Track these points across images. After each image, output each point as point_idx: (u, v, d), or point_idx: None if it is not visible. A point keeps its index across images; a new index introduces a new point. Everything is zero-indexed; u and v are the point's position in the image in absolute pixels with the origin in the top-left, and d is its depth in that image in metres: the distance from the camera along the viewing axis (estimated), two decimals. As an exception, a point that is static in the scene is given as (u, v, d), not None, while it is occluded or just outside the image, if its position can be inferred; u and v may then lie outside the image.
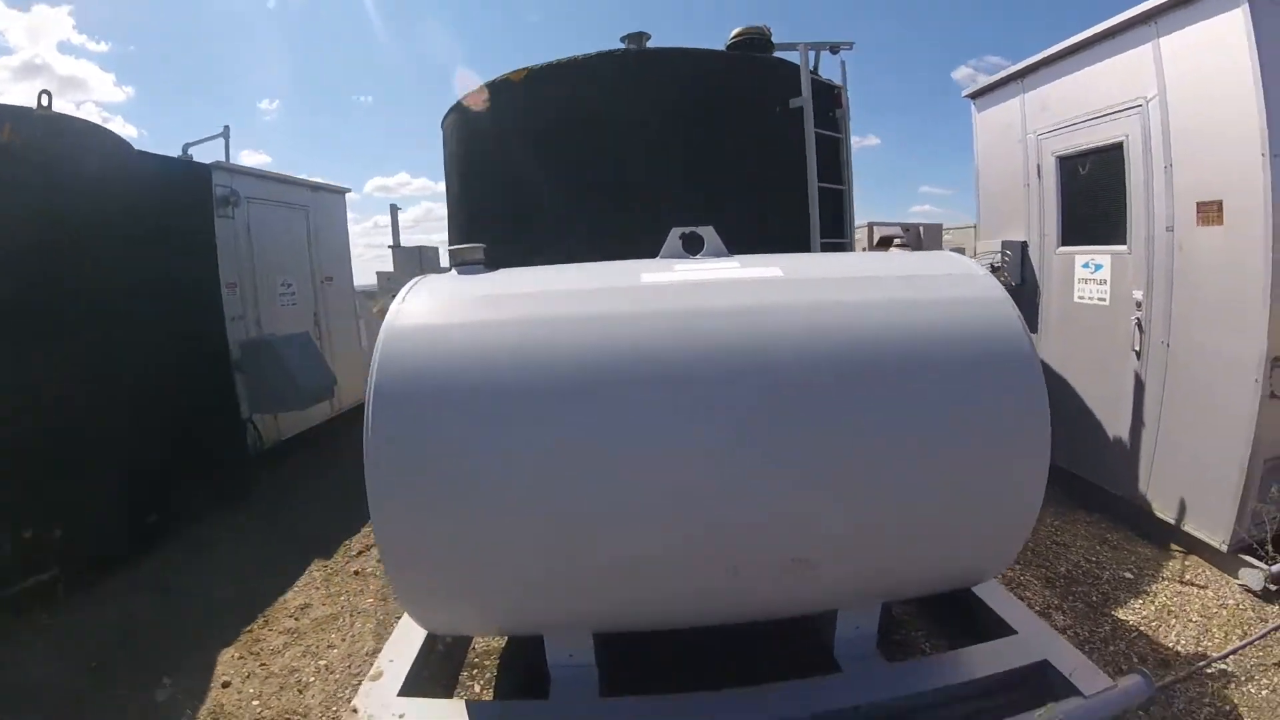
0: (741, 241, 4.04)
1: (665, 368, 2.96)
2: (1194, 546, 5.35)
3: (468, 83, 6.39)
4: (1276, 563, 4.64)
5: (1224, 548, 4.95)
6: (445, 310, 3.29)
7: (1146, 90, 5.38)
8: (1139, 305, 5.57)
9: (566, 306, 3.25)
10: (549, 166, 5.66)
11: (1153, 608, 4.77)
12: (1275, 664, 4.07)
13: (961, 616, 4.11)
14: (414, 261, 10.89)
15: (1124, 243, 5.73)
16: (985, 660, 3.51)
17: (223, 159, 8.50)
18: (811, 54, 5.89)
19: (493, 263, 4.22)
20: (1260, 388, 4.71)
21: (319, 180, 9.72)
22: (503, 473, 2.89)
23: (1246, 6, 4.65)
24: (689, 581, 3.13)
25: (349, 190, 10.44)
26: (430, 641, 3.81)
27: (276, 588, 5.67)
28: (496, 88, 5.90)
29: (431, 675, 3.77)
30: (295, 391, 8.32)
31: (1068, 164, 6.27)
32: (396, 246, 11.03)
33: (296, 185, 9.54)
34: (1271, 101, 4.62)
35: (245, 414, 8.14)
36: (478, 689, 4.19)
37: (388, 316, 3.17)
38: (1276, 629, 4.37)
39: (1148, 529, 5.74)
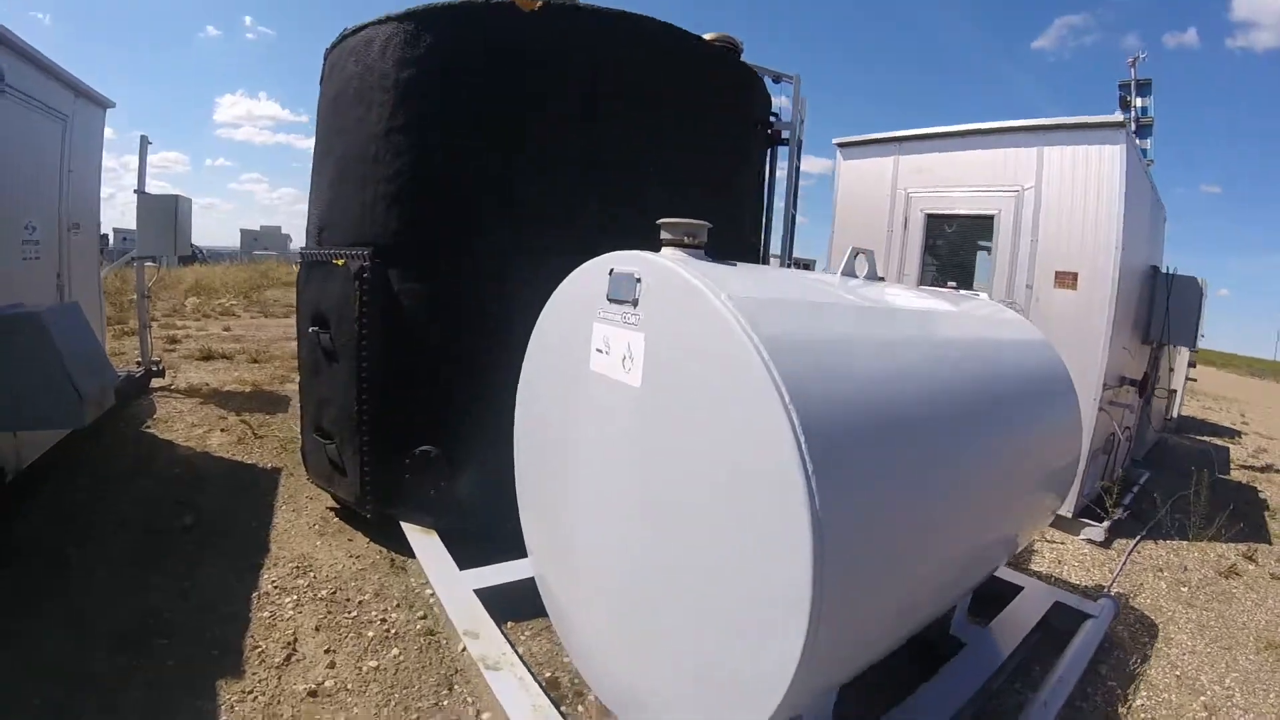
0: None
1: (955, 398, 2.74)
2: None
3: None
4: (1109, 519, 6.17)
5: (1069, 514, 6.37)
6: (796, 320, 2.35)
7: (1024, 181, 6.49)
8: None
9: (876, 329, 2.85)
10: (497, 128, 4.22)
11: (1031, 559, 5.89)
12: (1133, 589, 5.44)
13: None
14: (167, 215, 7.31)
15: (986, 294, 6.84)
16: (1029, 610, 4.16)
17: None
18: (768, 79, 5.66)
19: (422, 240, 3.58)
20: (1095, 403, 6.17)
21: (84, 83, 5.63)
22: (920, 505, 2.36)
23: (1124, 145, 5.96)
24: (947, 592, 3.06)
25: (112, 105, 6.38)
26: None
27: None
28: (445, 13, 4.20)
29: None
30: (68, 397, 4.87)
31: (935, 221, 7.19)
32: (142, 193, 7.28)
33: (59, 82, 5.47)
34: (1128, 213, 6.04)
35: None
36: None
37: (748, 325, 2.02)
38: (1130, 555, 5.86)
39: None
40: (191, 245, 8.25)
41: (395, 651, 3.42)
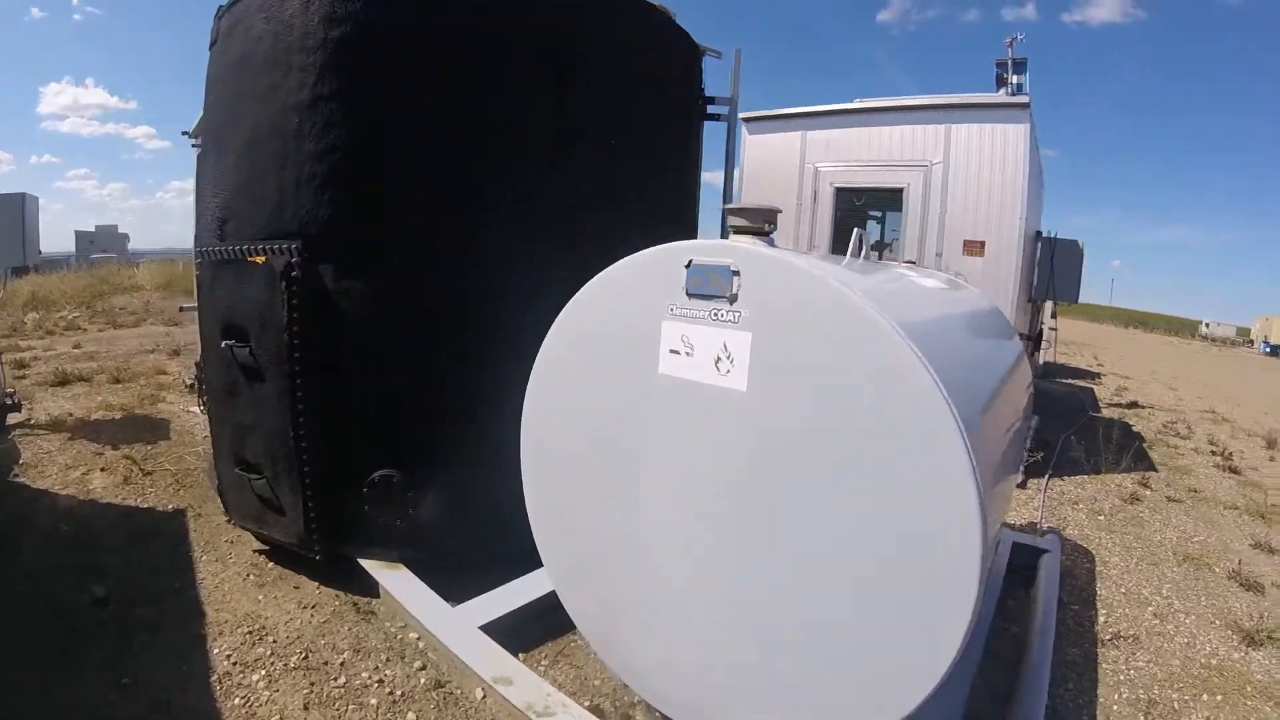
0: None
1: (997, 369, 2.90)
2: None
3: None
4: (1023, 462, 6.36)
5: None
6: (911, 310, 2.46)
7: (932, 156, 6.53)
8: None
9: (938, 309, 2.95)
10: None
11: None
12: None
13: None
14: (13, 218, 5.84)
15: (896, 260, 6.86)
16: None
17: None
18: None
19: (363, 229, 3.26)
20: (1007, 362, 6.36)
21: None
22: (1002, 467, 2.61)
23: (1029, 125, 6.16)
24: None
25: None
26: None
27: None
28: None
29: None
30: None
31: (844, 194, 7.12)
32: None
33: None
34: (1029, 186, 6.23)
35: None
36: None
37: (889, 317, 1.90)
38: (1045, 493, 6.08)
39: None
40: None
41: (412, 717, 2.74)
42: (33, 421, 6.90)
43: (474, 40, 3.45)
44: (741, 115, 7.92)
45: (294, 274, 3.30)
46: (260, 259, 3.37)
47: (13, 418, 6.77)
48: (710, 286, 2.15)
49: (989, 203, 6.40)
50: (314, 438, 3.41)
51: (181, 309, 8.02)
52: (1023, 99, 6.42)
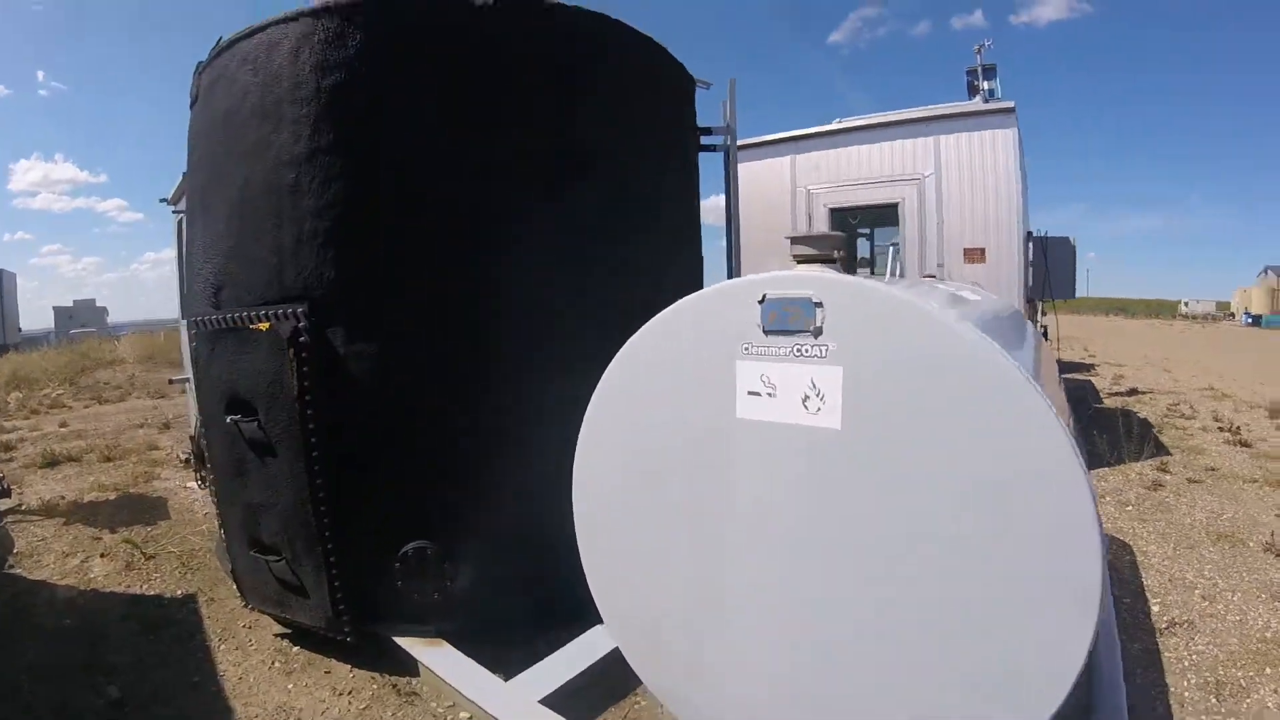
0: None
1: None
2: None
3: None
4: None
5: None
6: (995, 331, 2.23)
7: (923, 169, 6.44)
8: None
9: (1006, 328, 2.82)
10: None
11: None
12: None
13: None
14: None
15: (897, 274, 6.72)
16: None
17: None
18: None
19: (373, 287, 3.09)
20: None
21: None
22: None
23: (1016, 129, 6.10)
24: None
25: None
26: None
27: None
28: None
29: None
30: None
31: (838, 214, 7.00)
32: None
33: None
34: (1022, 189, 6.15)
35: None
36: None
37: (990, 342, 1.85)
38: None
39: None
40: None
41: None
42: (24, 507, 6.52)
43: (478, 72, 3.26)
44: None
45: (302, 340, 3.04)
46: (264, 326, 3.11)
47: (2, 504, 6.39)
48: (790, 321, 2.02)
49: (984, 209, 6.32)
50: (335, 513, 3.12)
51: (171, 381, 7.69)
52: (1008, 104, 6.39)
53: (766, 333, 2.05)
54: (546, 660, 3.01)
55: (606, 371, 2.44)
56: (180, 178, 6.62)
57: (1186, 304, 52.98)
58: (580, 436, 2.53)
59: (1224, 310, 50.20)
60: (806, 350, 1.98)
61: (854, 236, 7.56)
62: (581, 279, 3.46)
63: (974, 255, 6.77)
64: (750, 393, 2.09)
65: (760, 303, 2.06)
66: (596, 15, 3.63)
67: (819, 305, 1.95)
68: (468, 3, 3.24)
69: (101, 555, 5.12)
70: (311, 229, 3.13)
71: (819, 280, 1.98)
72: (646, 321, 2.38)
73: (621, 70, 3.80)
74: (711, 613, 2.27)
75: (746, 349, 2.08)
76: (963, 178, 6.64)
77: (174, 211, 6.76)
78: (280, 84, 3.21)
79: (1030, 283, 7.81)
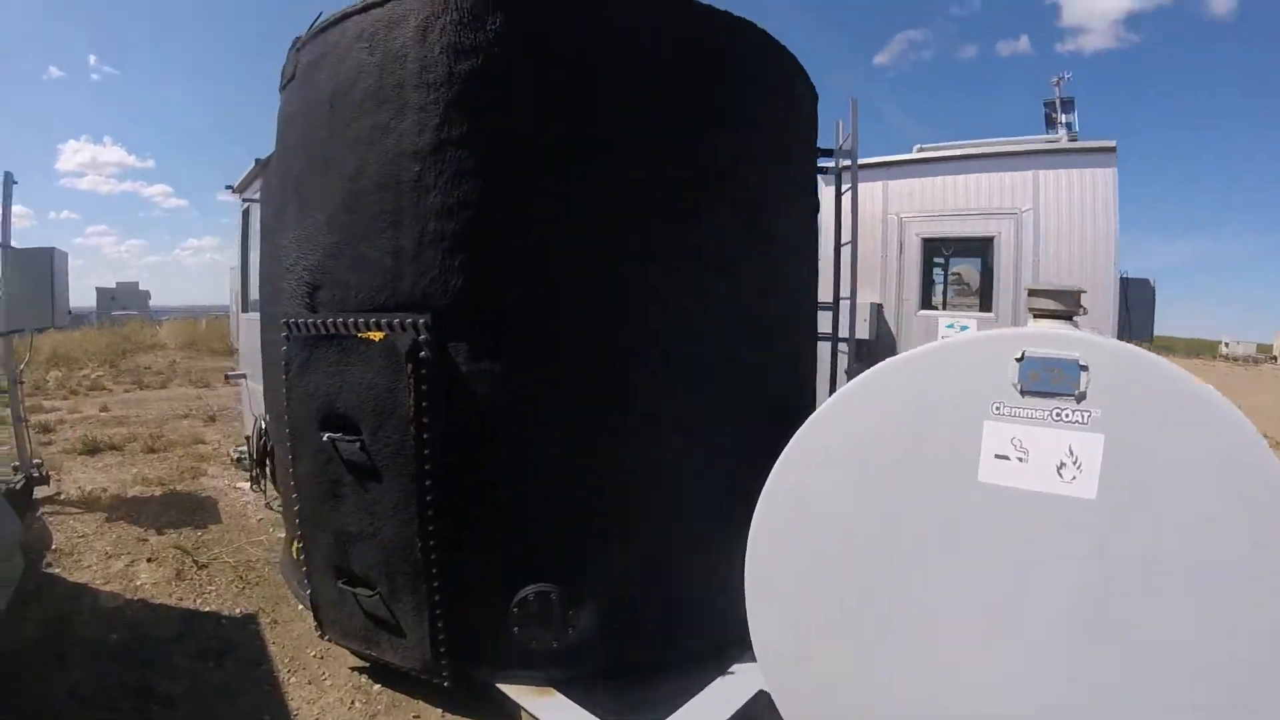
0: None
1: None
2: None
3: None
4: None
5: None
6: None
7: (1021, 204, 6.00)
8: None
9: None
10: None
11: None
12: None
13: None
14: (41, 275, 5.16)
15: (990, 310, 6.27)
16: None
17: None
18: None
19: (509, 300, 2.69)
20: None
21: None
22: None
23: (1115, 168, 5.67)
24: None
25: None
26: None
27: None
28: None
29: None
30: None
31: (931, 244, 6.55)
32: (8, 247, 5.06)
33: None
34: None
35: None
36: None
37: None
38: None
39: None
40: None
41: None
42: (63, 496, 6.11)
43: (618, 75, 2.86)
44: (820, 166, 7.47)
45: (422, 354, 2.61)
46: (377, 335, 2.69)
47: (41, 491, 5.98)
48: (1052, 383, 1.81)
49: (1081, 248, 5.88)
50: (445, 548, 2.68)
51: (227, 378, 7.28)
52: (1109, 143, 5.94)
53: (1024, 393, 1.82)
54: (681, 713, 2.57)
55: (819, 413, 2.08)
56: (254, 164, 6.26)
57: (1226, 344, 50.08)
58: (770, 487, 2.12)
59: (1265, 352, 47.32)
60: (1067, 415, 1.77)
61: (936, 266, 7.12)
62: (721, 302, 3.04)
63: (1070, 295, 6.31)
64: (997, 456, 1.85)
65: (1018, 361, 1.81)
66: (740, 20, 3.22)
67: (1084, 368, 1.76)
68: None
69: (149, 560, 4.69)
70: (437, 230, 2.70)
71: (1086, 342, 1.80)
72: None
73: (764, 81, 3.39)
74: (921, 697, 1.94)
75: (997, 408, 1.85)
76: (1061, 215, 6.18)
77: (244, 200, 6.40)
78: (403, 65, 2.79)
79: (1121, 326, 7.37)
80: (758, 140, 3.34)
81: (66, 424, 9.36)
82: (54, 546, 4.95)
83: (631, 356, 2.85)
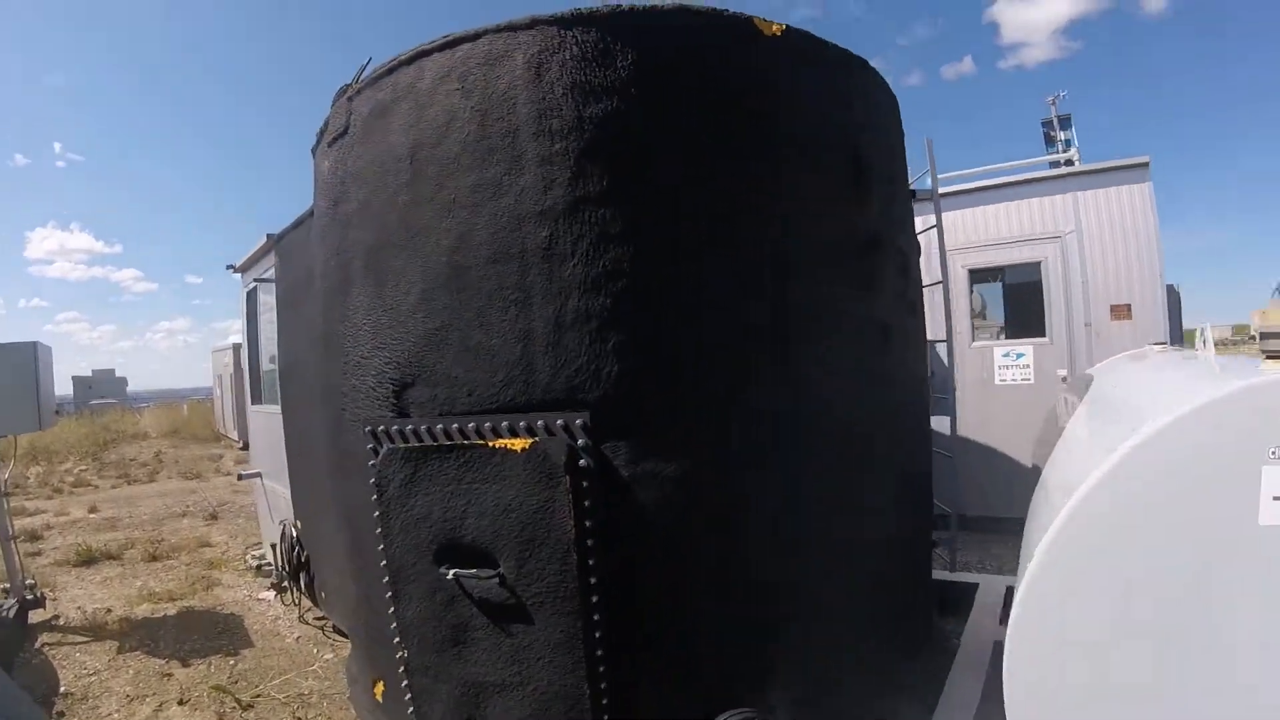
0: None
1: None
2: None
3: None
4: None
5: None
6: None
7: (1064, 226, 5.73)
8: (1064, 379, 5.78)
9: None
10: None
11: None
12: None
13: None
14: (24, 371, 4.39)
15: (1044, 335, 5.90)
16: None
17: None
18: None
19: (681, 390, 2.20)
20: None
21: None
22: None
23: (1149, 183, 5.48)
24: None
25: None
26: None
27: None
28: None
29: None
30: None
31: (977, 274, 6.20)
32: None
33: None
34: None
35: None
36: None
37: None
38: None
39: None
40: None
41: None
42: (62, 621, 5.15)
43: (777, 126, 2.35)
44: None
45: (581, 462, 2.00)
46: (519, 444, 2.05)
47: (36, 615, 5.03)
48: None
49: (1127, 264, 5.62)
50: (619, 692, 2.02)
51: (240, 478, 6.38)
52: (1143, 159, 5.73)
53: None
54: None
55: (1104, 473, 1.71)
56: (263, 240, 5.55)
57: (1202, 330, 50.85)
58: (1042, 561, 1.64)
59: (1240, 334, 47.98)
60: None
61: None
62: (889, 375, 2.52)
63: (1121, 311, 6.00)
64: (1276, 498, 1.72)
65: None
66: (862, 62, 2.78)
67: None
68: (756, 32, 2.35)
69: (180, 702, 3.82)
70: (580, 308, 2.11)
71: None
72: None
73: (890, 124, 2.96)
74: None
75: (1275, 453, 1.68)
76: (1103, 234, 5.92)
77: (256, 281, 5.67)
78: (513, 110, 2.22)
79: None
80: (901, 197, 2.93)
81: (54, 529, 8.26)
82: (62, 690, 4.05)
83: (817, 454, 2.27)
